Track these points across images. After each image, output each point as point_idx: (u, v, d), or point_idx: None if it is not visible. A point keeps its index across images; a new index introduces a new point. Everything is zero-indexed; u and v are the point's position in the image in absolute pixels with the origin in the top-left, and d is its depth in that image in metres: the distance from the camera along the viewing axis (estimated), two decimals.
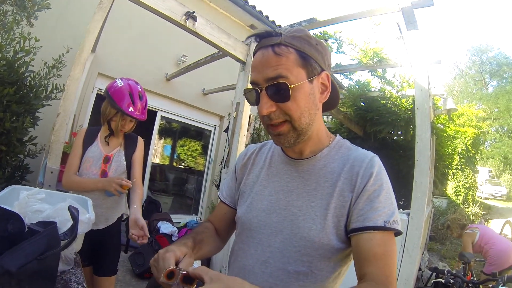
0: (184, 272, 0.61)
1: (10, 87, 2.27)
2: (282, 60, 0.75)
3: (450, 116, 4.70)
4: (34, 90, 2.70)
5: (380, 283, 0.67)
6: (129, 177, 1.94)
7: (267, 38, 0.79)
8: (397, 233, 0.75)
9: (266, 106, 0.75)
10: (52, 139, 2.18)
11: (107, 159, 1.90)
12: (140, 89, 1.93)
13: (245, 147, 1.06)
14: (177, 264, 0.67)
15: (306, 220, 0.78)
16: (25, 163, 2.99)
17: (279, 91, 0.74)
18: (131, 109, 1.84)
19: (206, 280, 0.56)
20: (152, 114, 5.50)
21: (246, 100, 3.18)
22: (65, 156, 3.02)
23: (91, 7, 2.51)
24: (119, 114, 1.86)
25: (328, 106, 0.90)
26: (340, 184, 0.79)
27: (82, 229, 0.99)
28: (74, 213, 0.84)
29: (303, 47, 0.77)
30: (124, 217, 2.06)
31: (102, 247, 1.91)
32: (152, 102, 5.21)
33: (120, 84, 1.88)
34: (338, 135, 0.93)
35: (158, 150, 7.28)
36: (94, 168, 1.88)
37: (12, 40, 2.53)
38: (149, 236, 1.66)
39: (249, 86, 0.81)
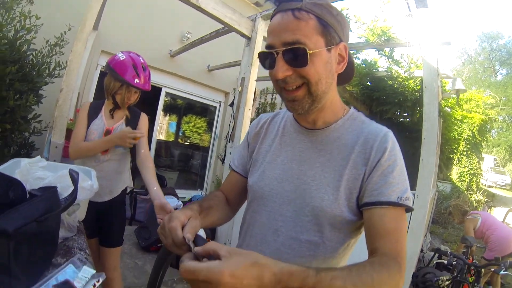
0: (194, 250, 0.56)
1: (12, 65, 2.26)
2: (302, 25, 0.72)
3: (458, 96, 4.60)
4: (37, 68, 2.69)
5: (392, 257, 0.67)
6: (134, 152, 1.93)
7: (287, 2, 0.76)
8: (408, 210, 0.74)
9: (282, 70, 0.73)
10: (56, 114, 2.17)
11: (108, 133, 1.89)
12: (142, 61, 1.90)
13: (250, 122, 1.04)
14: (182, 228, 0.64)
15: (319, 190, 0.78)
16: (30, 141, 3.01)
17: (297, 56, 0.72)
18: (136, 80, 1.82)
19: (222, 254, 0.52)
20: (157, 90, 5.45)
21: (251, 75, 3.20)
22: (69, 133, 3.03)
23: None
24: (124, 86, 1.84)
25: (342, 80, 0.88)
26: (354, 156, 0.78)
27: (84, 196, 0.99)
28: (73, 176, 0.83)
29: (324, 15, 0.74)
30: (128, 190, 2.07)
31: (107, 219, 1.94)
32: (157, 79, 5.16)
33: (122, 57, 1.85)
34: (352, 107, 0.90)
35: (163, 127, 7.28)
36: None
37: (13, 19, 2.50)
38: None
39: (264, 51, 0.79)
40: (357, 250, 0.86)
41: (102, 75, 4.66)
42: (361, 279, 0.59)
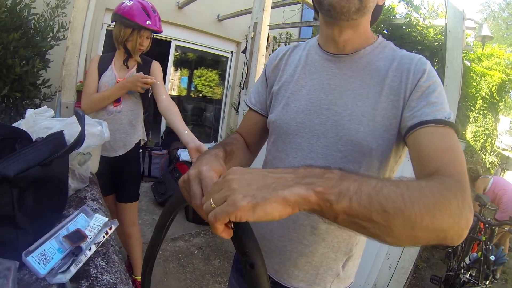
0: None
1: (14, 32, 2.21)
2: None
3: (484, 44, 4.31)
4: (40, 32, 2.64)
5: (450, 176, 0.52)
6: (147, 101, 1.94)
7: None
8: (457, 133, 0.64)
9: None
10: (63, 74, 2.14)
11: None
12: (150, 4, 1.83)
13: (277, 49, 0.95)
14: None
15: (352, 121, 0.70)
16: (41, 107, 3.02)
17: None
18: (148, 22, 1.76)
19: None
20: (166, 44, 5.32)
21: (263, 20, 3.05)
22: (80, 94, 3.01)
23: None
24: (135, 31, 1.78)
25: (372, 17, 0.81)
26: (389, 81, 0.71)
27: (94, 142, 0.96)
28: (79, 114, 0.78)
29: None
30: (142, 143, 2.07)
31: (123, 174, 1.96)
32: (165, 32, 5.00)
33: (129, 3, 1.77)
34: (381, 35, 0.82)
35: (175, 83, 7.19)
36: None
37: None
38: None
39: None
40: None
41: (109, 34, 4.60)
42: (398, 186, 0.44)
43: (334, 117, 0.73)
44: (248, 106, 0.95)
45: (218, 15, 5.76)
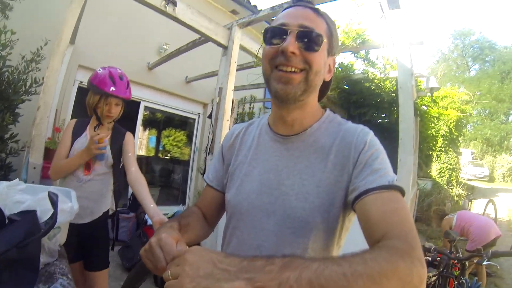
0: None
1: None
2: (319, 21, 0.78)
3: (432, 94, 4.75)
4: (13, 85, 2.63)
5: (397, 238, 0.55)
6: (117, 172, 1.92)
7: (306, 1, 0.82)
8: (403, 194, 0.67)
9: (293, 46, 0.73)
10: (33, 133, 2.11)
11: None
12: (120, 71, 1.91)
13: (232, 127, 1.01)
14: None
15: (299, 200, 0.74)
16: (7, 162, 2.92)
17: (311, 41, 0.74)
18: (112, 88, 1.82)
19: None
20: (135, 104, 5.38)
21: (228, 86, 3.19)
22: (47, 152, 2.96)
23: None
24: (102, 98, 1.85)
25: (321, 91, 0.88)
26: (332, 158, 0.76)
27: (64, 218, 0.97)
28: (53, 198, 0.81)
29: (331, 26, 0.81)
30: (110, 212, 2.03)
31: (91, 241, 1.89)
32: (135, 92, 5.06)
33: (100, 71, 1.87)
34: (328, 109, 0.89)
35: (143, 142, 7.19)
36: None
37: None
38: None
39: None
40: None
41: (80, 90, 4.64)
42: (347, 261, 0.49)
43: (282, 197, 0.77)
44: (206, 182, 0.99)
45: (186, 76, 5.94)
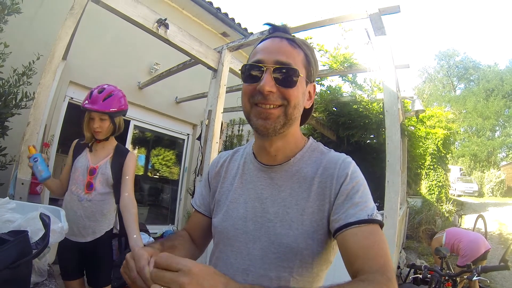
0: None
1: None
2: (295, 53, 0.79)
3: (418, 116, 4.89)
4: (3, 98, 2.63)
5: (376, 271, 0.63)
6: (119, 192, 1.91)
7: (282, 32, 0.82)
8: (381, 225, 0.73)
9: (270, 85, 0.75)
10: (22, 149, 2.09)
11: (92, 171, 1.90)
12: (105, 86, 1.92)
13: (218, 154, 1.04)
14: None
15: (283, 227, 0.78)
16: None
17: (287, 77, 0.76)
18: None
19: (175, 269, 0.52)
20: (125, 123, 5.36)
21: (218, 108, 3.23)
22: None
23: (62, 12, 2.46)
24: (86, 114, 1.89)
25: (302, 117, 0.90)
26: (315, 188, 0.79)
27: (55, 239, 0.97)
28: (45, 220, 0.82)
29: (309, 54, 0.83)
30: (114, 231, 2.04)
31: (94, 259, 1.92)
32: None
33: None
34: (311, 137, 0.92)
35: None
36: (82, 178, 1.89)
37: None
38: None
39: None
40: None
41: (70, 106, 4.62)
42: None
43: (267, 224, 0.80)
44: (193, 207, 1.01)
45: (176, 97, 5.99)
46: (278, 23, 0.91)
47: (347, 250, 0.69)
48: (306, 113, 0.90)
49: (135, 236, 1.66)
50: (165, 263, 0.51)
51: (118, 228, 2.04)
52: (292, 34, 0.85)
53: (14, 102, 2.70)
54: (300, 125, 0.92)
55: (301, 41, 0.82)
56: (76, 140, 2.02)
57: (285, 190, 0.82)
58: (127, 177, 1.90)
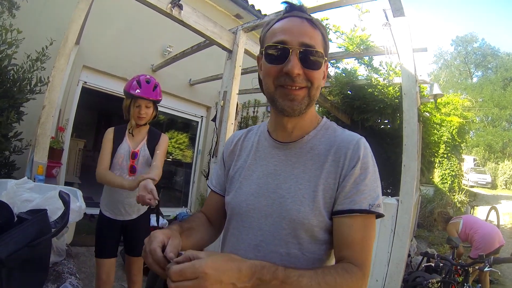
0: (174, 260, 0.60)
1: None
2: (316, 35, 0.79)
3: (436, 101, 4.76)
4: (18, 83, 2.64)
5: (357, 265, 0.72)
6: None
7: (301, 11, 0.82)
8: (379, 216, 0.78)
9: (297, 67, 0.75)
10: (38, 132, 2.13)
11: (134, 155, 2.07)
12: (148, 76, 2.10)
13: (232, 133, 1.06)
14: (164, 249, 0.66)
15: (295, 203, 0.78)
16: (11, 160, 2.93)
17: (313, 59, 0.77)
18: (137, 91, 2.00)
19: (202, 256, 0.57)
20: None
21: (233, 89, 3.21)
22: (51, 151, 2.96)
23: None
24: (132, 101, 2.03)
25: None
26: (328, 166, 0.80)
27: (73, 218, 0.98)
28: (65, 198, 0.82)
29: (325, 34, 0.83)
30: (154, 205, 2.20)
31: (134, 232, 2.12)
32: None
33: (131, 79, 2.07)
34: (324, 117, 0.93)
35: None
36: (126, 163, 2.06)
37: None
38: (158, 198, 1.75)
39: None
40: None
41: (84, 90, 4.66)
42: (325, 279, 0.66)
43: (279, 199, 0.81)
44: (210, 188, 1.03)
45: (190, 79, 5.97)
46: (295, 1, 0.88)
47: (339, 235, 0.76)
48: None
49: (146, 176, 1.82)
50: (180, 274, 0.55)
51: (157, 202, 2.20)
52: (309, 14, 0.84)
53: (28, 88, 2.72)
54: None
55: (318, 21, 0.82)
56: (112, 128, 2.12)
57: (299, 166, 0.83)
58: (157, 152, 2.09)
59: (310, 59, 0.77)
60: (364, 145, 0.82)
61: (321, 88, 0.89)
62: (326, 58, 0.82)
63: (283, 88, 0.79)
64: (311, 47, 0.76)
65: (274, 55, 0.78)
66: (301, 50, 0.76)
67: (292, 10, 0.82)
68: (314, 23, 0.80)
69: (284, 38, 0.77)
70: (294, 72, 0.75)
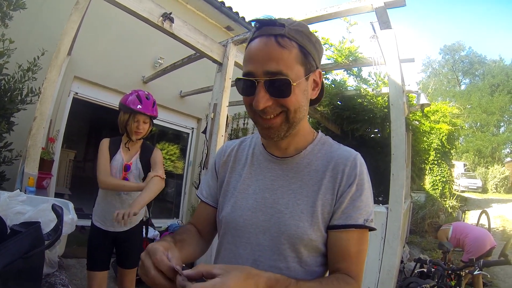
0: (186, 273, 0.57)
1: None
2: (285, 54, 0.72)
3: (423, 110, 4.87)
4: (9, 94, 2.63)
5: (353, 277, 0.75)
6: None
7: (270, 26, 0.74)
8: (371, 230, 0.81)
9: (263, 101, 0.72)
10: (29, 144, 2.12)
11: (126, 168, 2.10)
12: (146, 93, 2.15)
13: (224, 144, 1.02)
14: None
15: (293, 218, 0.78)
16: (0, 171, 2.91)
17: (280, 87, 0.72)
18: (139, 106, 2.04)
19: (217, 273, 0.56)
20: None
21: (223, 101, 3.24)
22: (42, 162, 2.95)
23: (67, 8, 2.46)
24: (131, 116, 2.06)
25: (312, 102, 0.87)
26: (326, 182, 0.80)
27: (66, 230, 0.99)
28: (58, 211, 0.83)
29: (305, 43, 0.75)
30: (144, 219, 2.26)
31: (127, 244, 2.12)
32: None
33: (129, 93, 2.12)
34: (320, 131, 0.93)
35: None
36: (118, 175, 2.08)
37: None
38: (126, 223, 1.77)
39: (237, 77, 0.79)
40: None
41: (75, 101, 4.65)
42: None
43: (277, 215, 0.80)
44: (200, 198, 0.99)
45: (181, 91, 5.99)
46: (282, 17, 0.85)
47: (336, 248, 0.78)
48: (315, 100, 0.88)
49: (137, 198, 1.87)
50: None
51: (147, 216, 2.29)
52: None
53: (19, 98, 2.71)
54: (313, 105, 0.91)
55: (294, 30, 0.74)
56: (107, 139, 2.14)
57: (296, 182, 0.83)
58: (156, 162, 2.13)
59: (277, 88, 0.72)
60: (360, 162, 0.83)
61: (319, 94, 0.86)
62: (309, 72, 0.77)
63: (259, 117, 0.77)
64: (276, 74, 0.71)
65: (244, 87, 0.76)
66: (266, 79, 0.72)
67: (261, 27, 0.75)
68: (286, 36, 0.73)
69: (250, 69, 0.74)
70: (259, 107, 0.73)
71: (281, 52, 0.71)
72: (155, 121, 2.26)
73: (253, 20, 0.77)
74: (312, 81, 0.81)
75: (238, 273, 0.57)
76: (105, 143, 2.10)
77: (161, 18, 2.70)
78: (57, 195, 4.31)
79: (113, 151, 2.10)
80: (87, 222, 2.23)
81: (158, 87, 5.50)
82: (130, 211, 1.73)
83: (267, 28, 0.74)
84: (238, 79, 0.78)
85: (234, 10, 6.27)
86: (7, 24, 2.77)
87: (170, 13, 2.74)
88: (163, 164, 2.22)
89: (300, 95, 0.75)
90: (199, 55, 3.53)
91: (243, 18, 6.44)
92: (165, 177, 2.10)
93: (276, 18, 0.76)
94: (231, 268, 0.59)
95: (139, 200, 1.85)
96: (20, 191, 2.05)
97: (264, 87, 0.72)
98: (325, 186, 0.80)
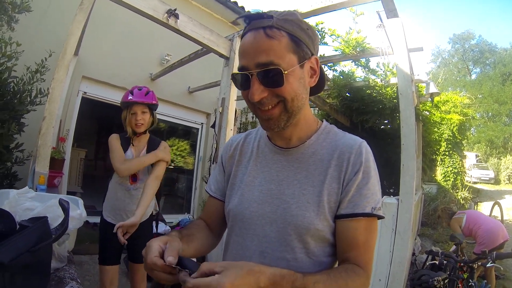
0: (187, 271, 0.58)
1: None
2: (274, 44, 0.72)
3: (433, 100, 4.78)
4: (18, 95, 2.67)
5: (362, 267, 0.75)
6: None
7: (258, 20, 0.75)
8: (379, 218, 0.80)
9: (258, 92, 0.73)
10: (39, 143, 2.15)
11: None
12: (140, 86, 2.15)
13: (230, 138, 1.02)
14: (162, 254, 0.64)
15: (300, 208, 0.78)
16: (13, 171, 2.96)
17: (272, 77, 0.72)
18: (130, 97, 2.05)
19: (218, 270, 0.56)
20: None
21: (231, 96, 3.23)
22: (53, 161, 2.99)
23: (72, 9, 2.48)
24: (128, 110, 2.07)
25: (315, 90, 0.88)
26: (331, 171, 0.80)
27: (74, 225, 1.00)
28: (64, 205, 0.84)
29: (295, 31, 0.75)
30: (154, 213, 2.29)
31: (138, 239, 2.07)
32: None
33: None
34: (324, 120, 0.92)
35: None
36: None
37: None
38: (125, 241, 1.80)
39: (236, 71, 0.79)
40: None
41: (84, 101, 4.70)
42: (337, 284, 0.69)
43: (283, 205, 0.80)
44: (209, 193, 1.00)
45: (189, 87, 6.02)
46: (287, 8, 0.85)
47: (344, 238, 0.78)
48: (317, 85, 0.86)
49: (136, 211, 1.87)
50: None
51: (157, 209, 2.31)
52: (278, 17, 0.76)
53: (29, 99, 2.75)
54: (315, 94, 0.92)
55: (282, 20, 0.75)
56: (117, 134, 2.15)
57: (301, 172, 0.82)
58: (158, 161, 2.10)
59: (270, 78, 0.72)
60: (365, 149, 0.81)
61: (320, 81, 0.85)
62: (303, 59, 0.76)
63: (258, 109, 0.78)
64: (268, 65, 0.72)
65: (240, 82, 0.77)
66: (258, 71, 0.72)
67: (250, 22, 0.77)
68: (275, 27, 0.73)
69: (243, 63, 0.75)
70: (255, 99, 0.74)
71: (270, 43, 0.72)
72: (164, 117, 2.29)
73: (241, 17, 0.80)
74: (309, 69, 0.80)
75: (237, 270, 0.57)
76: (115, 136, 2.12)
77: (166, 14, 2.70)
78: (69, 193, 4.37)
79: (124, 147, 2.11)
80: (99, 220, 2.24)
81: (166, 83, 5.54)
82: (131, 222, 1.78)
83: (256, 22, 0.75)
84: (233, 76, 0.79)
85: (239, 5, 6.25)
86: (13, 28, 2.80)
87: (175, 10, 2.74)
88: (169, 154, 2.23)
89: (295, 83, 0.75)
90: (206, 50, 3.53)
91: (249, 12, 6.39)
92: (169, 161, 2.14)
93: (265, 11, 0.77)
94: (232, 265, 0.59)
95: (138, 211, 1.88)
96: (31, 189, 2.10)
97: (257, 79, 0.73)
98: (330, 175, 0.79)
